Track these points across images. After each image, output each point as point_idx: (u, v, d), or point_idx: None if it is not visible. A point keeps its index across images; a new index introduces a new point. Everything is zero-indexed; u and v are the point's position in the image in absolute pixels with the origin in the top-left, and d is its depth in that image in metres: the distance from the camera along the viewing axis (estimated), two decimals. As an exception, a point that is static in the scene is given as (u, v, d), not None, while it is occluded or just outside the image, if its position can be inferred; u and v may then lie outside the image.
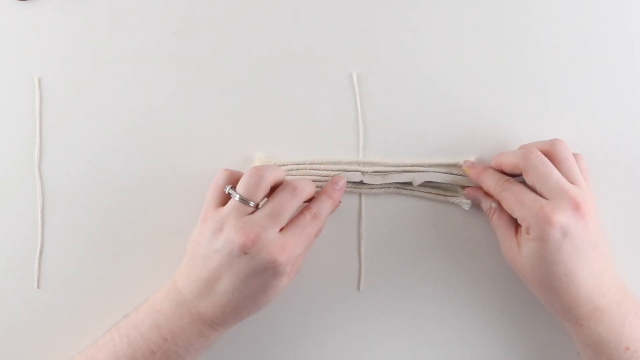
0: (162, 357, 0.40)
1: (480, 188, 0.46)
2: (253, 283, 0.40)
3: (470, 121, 0.48)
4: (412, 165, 0.48)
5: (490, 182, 0.44)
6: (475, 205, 0.47)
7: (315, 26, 0.49)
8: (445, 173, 0.47)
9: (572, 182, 0.41)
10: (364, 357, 0.48)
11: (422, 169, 0.47)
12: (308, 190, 0.43)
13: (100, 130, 0.49)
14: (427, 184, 0.48)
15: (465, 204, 0.47)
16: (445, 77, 0.48)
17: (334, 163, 0.48)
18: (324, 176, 0.48)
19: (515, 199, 0.41)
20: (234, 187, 0.42)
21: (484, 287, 0.48)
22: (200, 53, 0.49)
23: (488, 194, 0.45)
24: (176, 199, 0.48)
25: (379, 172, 0.48)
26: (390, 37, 0.49)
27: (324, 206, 0.43)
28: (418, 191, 0.48)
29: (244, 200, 0.41)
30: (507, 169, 0.44)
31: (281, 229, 0.41)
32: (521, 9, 0.49)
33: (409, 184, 0.48)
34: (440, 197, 0.48)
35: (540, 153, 0.42)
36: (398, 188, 0.48)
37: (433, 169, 0.48)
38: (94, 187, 0.49)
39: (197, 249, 0.41)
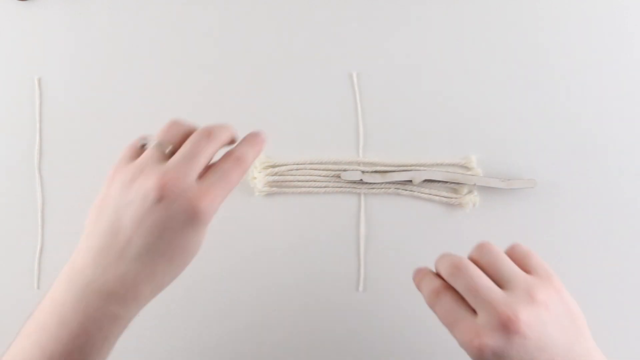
0: (80, 355, 0.35)
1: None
2: (170, 238, 0.35)
3: (470, 121, 0.48)
4: (411, 165, 0.48)
5: (425, 293, 0.38)
6: (478, 205, 0.48)
7: (316, 26, 0.49)
8: (445, 172, 0.47)
9: (505, 284, 0.36)
10: (364, 357, 0.48)
11: (422, 168, 0.47)
12: (225, 134, 0.38)
13: (100, 130, 0.49)
14: (426, 184, 0.48)
15: (466, 204, 0.47)
16: (445, 77, 0.48)
17: (334, 163, 0.48)
18: (324, 176, 0.48)
19: (445, 316, 0.37)
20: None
21: (484, 287, 0.48)
22: (201, 53, 0.49)
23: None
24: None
25: (379, 171, 0.48)
26: (390, 37, 0.49)
27: (247, 150, 0.37)
28: (418, 191, 0.48)
29: (160, 145, 0.36)
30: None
31: (201, 177, 0.36)
32: (521, 9, 0.49)
33: (409, 183, 0.48)
34: (440, 198, 0.48)
35: (466, 260, 0.37)
36: (398, 188, 0.48)
37: (433, 169, 0.48)
38: (94, 187, 0.49)
39: (100, 214, 0.36)
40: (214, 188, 0.35)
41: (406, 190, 0.48)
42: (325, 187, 0.48)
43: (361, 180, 0.48)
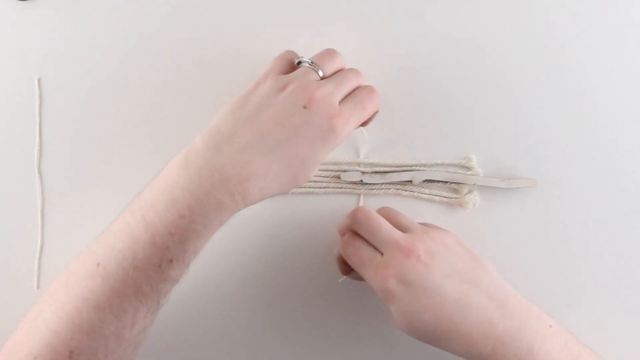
0: (181, 237, 0.36)
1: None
2: (299, 142, 0.37)
3: (470, 121, 0.48)
4: (411, 165, 0.48)
5: (340, 246, 0.43)
6: (478, 205, 0.47)
7: (315, 25, 0.49)
8: (445, 172, 0.47)
9: (405, 231, 0.41)
10: (364, 357, 0.48)
11: (422, 168, 0.47)
12: (364, 77, 0.43)
13: (100, 130, 0.49)
14: (427, 185, 0.48)
15: (466, 204, 0.47)
16: (444, 76, 0.48)
17: (334, 163, 0.48)
18: (323, 177, 0.48)
19: (356, 258, 0.40)
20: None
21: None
22: (201, 53, 0.49)
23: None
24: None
25: (379, 172, 0.48)
26: (389, 36, 0.49)
27: (377, 92, 0.42)
28: (418, 192, 0.48)
29: (314, 67, 0.40)
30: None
31: (341, 102, 0.39)
32: (521, 8, 0.48)
33: (409, 183, 0.48)
34: (440, 198, 0.48)
35: (366, 210, 0.41)
36: (398, 189, 0.48)
37: (433, 169, 0.48)
38: (93, 187, 0.49)
39: (239, 107, 0.38)
40: (350, 112, 0.39)
41: (406, 190, 0.48)
42: (325, 187, 0.48)
43: (361, 181, 0.48)
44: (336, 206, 0.48)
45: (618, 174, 0.48)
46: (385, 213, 0.43)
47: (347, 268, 0.43)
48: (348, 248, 0.41)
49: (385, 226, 0.40)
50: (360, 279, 0.42)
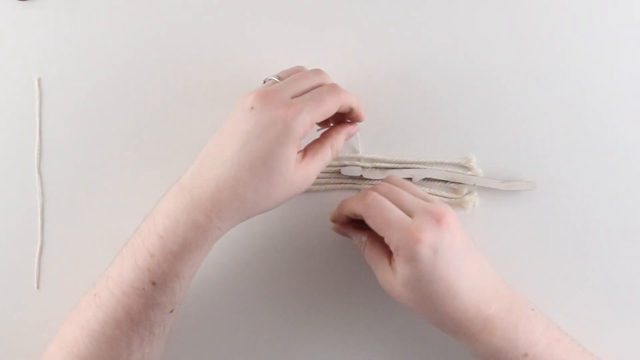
0: (159, 258, 0.37)
1: (347, 223, 0.44)
2: (256, 146, 0.36)
3: (470, 121, 0.48)
4: (411, 163, 0.48)
5: (355, 203, 0.41)
6: (477, 206, 0.48)
7: (315, 25, 0.49)
8: (445, 171, 0.48)
9: (424, 200, 0.40)
10: (364, 357, 0.48)
11: (422, 166, 0.48)
12: (325, 75, 0.41)
13: (100, 130, 0.49)
14: (426, 183, 0.48)
15: (465, 204, 0.47)
16: (444, 75, 0.48)
17: (334, 159, 0.48)
18: (324, 172, 0.48)
19: (381, 217, 0.39)
20: None
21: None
22: (201, 53, 0.49)
23: (356, 228, 0.43)
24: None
25: (379, 167, 0.48)
26: (391, 37, 0.49)
27: (347, 94, 0.41)
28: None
29: (274, 77, 0.41)
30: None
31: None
32: (521, 7, 0.49)
33: (409, 181, 0.48)
34: (440, 198, 0.48)
35: (376, 193, 0.40)
36: (398, 187, 0.48)
37: (433, 168, 0.48)
38: (93, 187, 0.49)
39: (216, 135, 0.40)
40: (303, 104, 0.38)
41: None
42: (325, 183, 0.48)
43: (361, 176, 0.48)
44: (337, 202, 0.48)
45: (617, 177, 0.48)
46: (395, 185, 0.42)
47: (345, 228, 0.44)
48: (372, 207, 0.40)
49: (419, 191, 0.41)
50: (347, 235, 0.44)
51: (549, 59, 0.48)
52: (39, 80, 0.49)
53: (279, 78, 0.41)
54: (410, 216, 0.38)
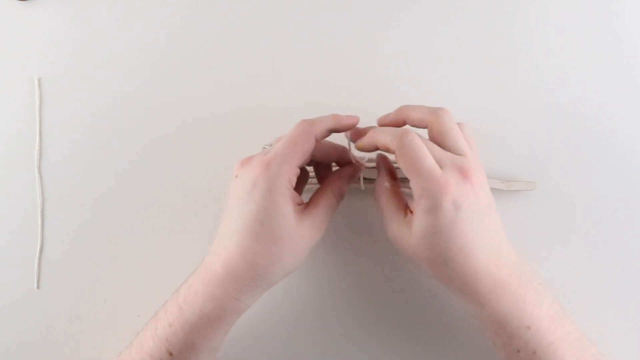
0: (177, 328, 0.39)
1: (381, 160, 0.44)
2: (246, 211, 0.37)
3: (470, 121, 0.48)
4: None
5: (390, 138, 0.39)
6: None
7: (315, 26, 0.49)
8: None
9: (458, 154, 0.39)
10: (364, 357, 0.48)
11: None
12: (324, 125, 0.40)
13: (100, 130, 0.49)
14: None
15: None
16: (444, 75, 0.48)
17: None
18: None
19: (414, 161, 0.37)
20: None
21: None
22: (201, 53, 0.49)
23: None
24: (176, 198, 0.48)
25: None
26: (388, 35, 0.49)
27: (320, 119, 0.40)
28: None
29: (266, 146, 0.41)
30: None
31: None
32: (519, 7, 0.49)
33: (409, 181, 0.48)
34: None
35: (414, 133, 0.38)
36: (398, 187, 0.48)
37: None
38: (93, 187, 0.49)
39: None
40: (276, 154, 0.38)
41: (406, 187, 0.48)
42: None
43: (361, 176, 0.48)
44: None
45: (617, 177, 0.48)
46: (439, 127, 0.40)
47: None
48: (408, 147, 0.38)
49: (460, 140, 0.39)
50: (376, 166, 0.44)
51: (549, 59, 0.48)
52: (39, 80, 0.49)
53: (270, 144, 0.42)
54: (441, 167, 0.37)
